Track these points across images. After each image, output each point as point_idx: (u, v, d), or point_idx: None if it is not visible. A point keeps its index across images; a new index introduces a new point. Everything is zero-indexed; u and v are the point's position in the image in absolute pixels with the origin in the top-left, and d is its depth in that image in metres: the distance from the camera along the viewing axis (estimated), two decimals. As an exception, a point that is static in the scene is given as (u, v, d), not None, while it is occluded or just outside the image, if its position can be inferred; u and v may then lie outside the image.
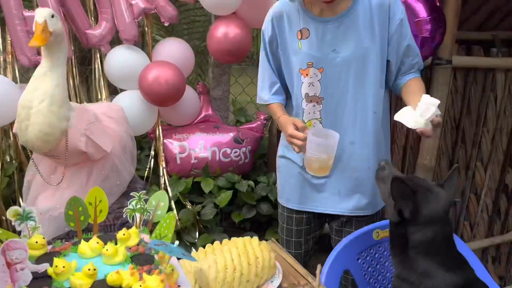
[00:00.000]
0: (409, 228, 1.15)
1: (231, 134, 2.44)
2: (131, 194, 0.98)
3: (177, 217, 2.26)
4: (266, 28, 1.51)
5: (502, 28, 2.30)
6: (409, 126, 1.23)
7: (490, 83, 2.13)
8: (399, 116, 1.27)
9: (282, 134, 1.66)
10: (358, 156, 1.49)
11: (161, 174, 2.36)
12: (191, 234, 2.30)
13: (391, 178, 1.17)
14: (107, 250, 0.84)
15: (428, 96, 1.25)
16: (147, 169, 2.44)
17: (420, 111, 1.21)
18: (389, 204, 1.23)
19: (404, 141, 2.05)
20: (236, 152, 2.43)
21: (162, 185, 2.36)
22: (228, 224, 2.46)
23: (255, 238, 1.28)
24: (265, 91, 1.58)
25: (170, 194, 2.30)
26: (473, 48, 2.07)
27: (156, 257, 0.87)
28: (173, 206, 2.27)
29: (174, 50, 2.32)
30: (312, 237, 1.71)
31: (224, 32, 2.25)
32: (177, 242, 0.82)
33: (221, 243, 1.26)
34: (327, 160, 1.36)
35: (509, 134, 2.31)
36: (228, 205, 2.29)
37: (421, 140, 1.95)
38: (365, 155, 1.53)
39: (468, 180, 2.28)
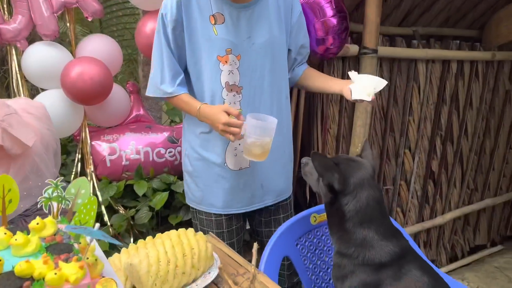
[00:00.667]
0: (342, 200, 1.16)
1: (165, 134, 2.36)
2: (46, 181, 0.89)
3: (109, 223, 2.13)
4: (169, 12, 1.36)
5: (420, 24, 2.44)
6: (369, 100, 1.33)
7: (413, 73, 2.25)
8: (357, 95, 1.34)
9: (190, 133, 1.53)
10: (275, 142, 1.42)
11: (89, 179, 2.21)
12: (125, 240, 2.17)
13: (311, 154, 1.20)
14: (16, 240, 0.74)
15: (355, 72, 1.37)
16: (73, 173, 2.27)
17: (368, 84, 1.33)
18: (321, 189, 1.23)
19: (336, 131, 2.09)
20: (171, 152, 2.34)
21: (91, 190, 2.21)
22: (166, 228, 2.35)
23: (191, 229, 1.22)
24: (167, 83, 1.42)
25: (100, 199, 2.16)
26: (396, 40, 2.17)
27: (76, 246, 0.79)
28: (104, 211, 2.14)
29: (99, 46, 2.19)
30: (242, 235, 1.68)
31: (153, 27, 2.16)
32: (98, 225, 0.74)
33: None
34: (269, 143, 1.34)
35: (433, 123, 2.44)
36: (164, 207, 2.19)
37: (352, 129, 2.00)
38: (281, 140, 1.54)
39: (398, 167, 2.37)
